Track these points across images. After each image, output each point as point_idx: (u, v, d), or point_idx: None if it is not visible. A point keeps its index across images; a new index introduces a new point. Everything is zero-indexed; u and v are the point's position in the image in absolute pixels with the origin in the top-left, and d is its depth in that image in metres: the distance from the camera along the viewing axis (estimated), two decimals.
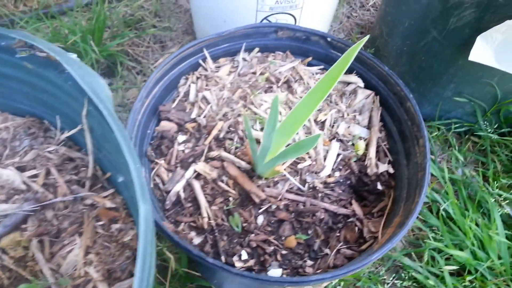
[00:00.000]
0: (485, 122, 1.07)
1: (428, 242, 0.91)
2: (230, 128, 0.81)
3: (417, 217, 0.98)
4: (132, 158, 0.43)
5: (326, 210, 0.74)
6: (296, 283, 0.58)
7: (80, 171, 0.62)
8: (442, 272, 0.90)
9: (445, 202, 0.96)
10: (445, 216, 0.96)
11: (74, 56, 0.53)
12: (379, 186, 0.76)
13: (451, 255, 0.92)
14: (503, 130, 1.07)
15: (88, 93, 0.48)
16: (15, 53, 0.60)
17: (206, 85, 0.85)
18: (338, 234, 0.73)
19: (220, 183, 0.76)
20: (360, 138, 0.81)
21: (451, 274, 0.90)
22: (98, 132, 0.56)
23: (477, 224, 0.94)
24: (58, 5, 1.27)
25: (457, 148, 1.08)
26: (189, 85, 0.85)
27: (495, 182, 1.01)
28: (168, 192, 0.76)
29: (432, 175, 1.06)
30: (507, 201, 0.96)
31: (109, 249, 0.55)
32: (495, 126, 1.07)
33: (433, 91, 1.06)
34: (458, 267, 0.89)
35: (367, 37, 0.65)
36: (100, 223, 0.57)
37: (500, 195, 0.98)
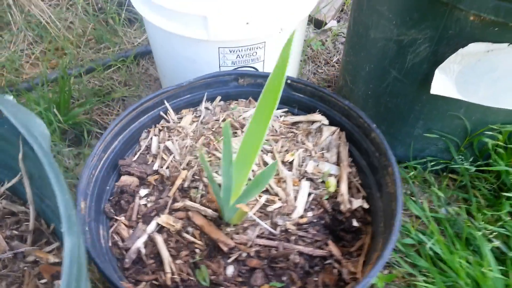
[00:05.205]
0: (460, 157, 1.05)
1: (419, 286, 0.84)
2: (195, 177, 0.77)
3: (407, 261, 0.92)
4: (60, 188, 0.39)
5: (301, 253, 0.68)
6: None
7: (22, 226, 0.56)
8: None
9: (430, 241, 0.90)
10: (435, 257, 0.90)
11: (10, 97, 0.50)
12: (355, 223, 0.72)
13: None
14: (479, 163, 1.05)
15: (20, 129, 0.45)
16: None
17: (169, 136, 0.83)
18: (316, 279, 0.66)
19: (185, 235, 0.70)
20: (330, 175, 0.77)
21: None
22: (36, 176, 0.52)
23: (468, 262, 0.88)
24: (25, 82, 1.28)
25: (436, 186, 1.05)
26: (151, 138, 0.83)
27: (481, 216, 0.96)
28: (127, 250, 0.70)
29: (416, 216, 1.01)
30: (495, 233, 0.91)
31: None
32: (471, 160, 1.04)
33: (403, 131, 1.05)
34: None
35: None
36: (43, 281, 0.51)
37: (487, 229, 0.92)
